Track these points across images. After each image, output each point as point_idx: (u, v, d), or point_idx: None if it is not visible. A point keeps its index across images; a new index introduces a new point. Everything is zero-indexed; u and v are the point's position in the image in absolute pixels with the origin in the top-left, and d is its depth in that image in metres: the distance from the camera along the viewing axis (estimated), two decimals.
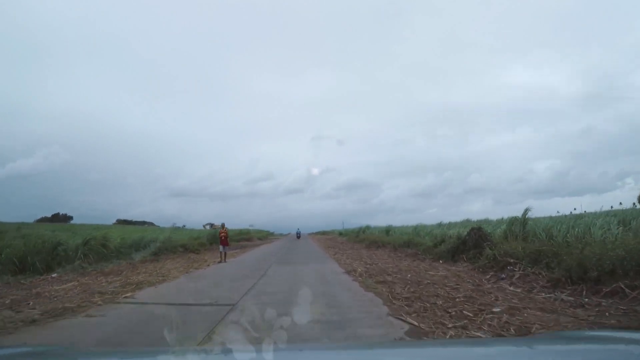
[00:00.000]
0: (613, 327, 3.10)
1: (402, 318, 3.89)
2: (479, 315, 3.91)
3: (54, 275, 7.97)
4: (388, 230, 21.27)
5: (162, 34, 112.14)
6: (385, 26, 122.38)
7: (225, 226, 13.35)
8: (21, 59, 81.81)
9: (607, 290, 4.37)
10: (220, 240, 12.04)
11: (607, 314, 3.92)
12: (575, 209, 11.12)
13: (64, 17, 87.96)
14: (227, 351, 1.07)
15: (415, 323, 3.69)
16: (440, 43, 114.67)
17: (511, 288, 5.28)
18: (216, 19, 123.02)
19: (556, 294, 4.74)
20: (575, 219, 8.97)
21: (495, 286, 5.51)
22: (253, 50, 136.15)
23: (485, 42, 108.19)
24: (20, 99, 75.92)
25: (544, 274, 5.34)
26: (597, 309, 4.07)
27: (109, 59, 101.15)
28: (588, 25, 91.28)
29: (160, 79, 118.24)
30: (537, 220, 9.42)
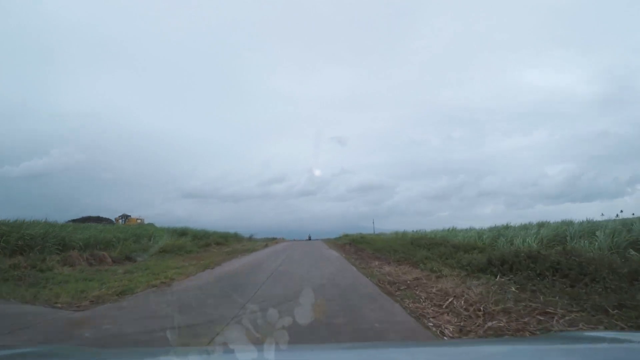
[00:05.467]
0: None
1: None
2: None
3: None
4: None
5: (169, 34, 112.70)
6: (400, 26, 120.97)
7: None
8: (33, 59, 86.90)
9: None
10: None
11: None
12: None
13: (76, 17, 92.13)
14: (230, 351, 1.18)
15: None
16: (455, 44, 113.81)
17: None
18: (227, 18, 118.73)
19: None
20: None
21: None
22: (266, 49, 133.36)
23: (500, 43, 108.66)
24: (29, 98, 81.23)
25: None
26: None
27: (119, 59, 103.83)
28: (607, 25, 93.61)
29: (168, 78, 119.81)
30: None
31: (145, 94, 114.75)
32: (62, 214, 37.46)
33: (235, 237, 41.74)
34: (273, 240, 39.40)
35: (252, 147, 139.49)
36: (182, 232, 26.69)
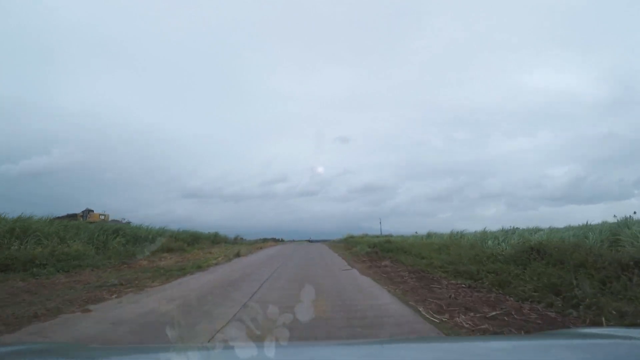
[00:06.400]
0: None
1: None
2: None
3: None
4: None
5: (169, 34, 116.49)
6: (403, 25, 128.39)
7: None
8: (35, 58, 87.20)
9: None
10: None
11: None
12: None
13: (76, 17, 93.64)
14: (229, 348, 1.14)
15: None
16: (457, 45, 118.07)
17: None
18: (227, 18, 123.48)
19: None
20: None
21: None
22: (266, 49, 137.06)
23: (503, 44, 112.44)
24: (32, 97, 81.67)
25: None
26: None
27: (120, 59, 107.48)
28: (613, 26, 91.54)
29: (168, 78, 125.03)
30: None
31: (145, 94, 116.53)
32: (60, 213, 33.63)
33: (213, 240, 31.87)
34: (257, 245, 28.66)
35: (252, 147, 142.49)
36: (116, 231, 17.29)
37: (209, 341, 3.48)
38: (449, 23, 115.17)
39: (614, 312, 4.41)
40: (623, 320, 4.10)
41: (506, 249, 12.15)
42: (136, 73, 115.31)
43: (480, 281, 7.38)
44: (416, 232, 41.20)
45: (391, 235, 35.42)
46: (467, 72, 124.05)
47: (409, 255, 13.52)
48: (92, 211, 41.95)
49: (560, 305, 4.96)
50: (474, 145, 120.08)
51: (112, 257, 13.51)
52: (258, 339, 1.31)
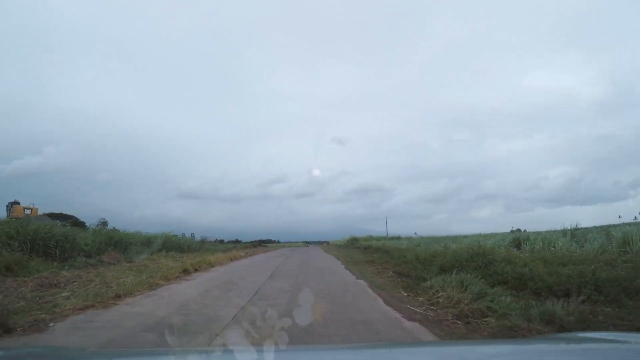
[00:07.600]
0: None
1: None
2: None
3: None
4: None
5: (169, 34, 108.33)
6: (403, 25, 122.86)
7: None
8: (32, 56, 78.20)
9: None
10: None
11: None
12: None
13: (76, 16, 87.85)
14: (229, 352, 1.13)
15: None
16: (459, 44, 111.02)
17: None
18: (227, 18, 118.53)
19: None
20: None
21: None
22: (266, 49, 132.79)
23: (506, 44, 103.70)
24: (28, 96, 74.43)
25: None
26: None
27: (119, 59, 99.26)
28: (613, 27, 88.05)
29: (168, 78, 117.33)
30: None
31: (144, 93, 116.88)
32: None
33: (163, 245, 21.67)
34: (208, 260, 13.26)
35: (251, 147, 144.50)
36: None
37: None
38: (449, 23, 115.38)
39: None
40: None
41: None
42: (136, 73, 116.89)
43: None
44: (416, 234, 36.05)
45: (403, 238, 25.98)
46: (467, 73, 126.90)
47: None
48: (18, 204, 32.84)
49: None
50: (473, 146, 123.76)
51: None
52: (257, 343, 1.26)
